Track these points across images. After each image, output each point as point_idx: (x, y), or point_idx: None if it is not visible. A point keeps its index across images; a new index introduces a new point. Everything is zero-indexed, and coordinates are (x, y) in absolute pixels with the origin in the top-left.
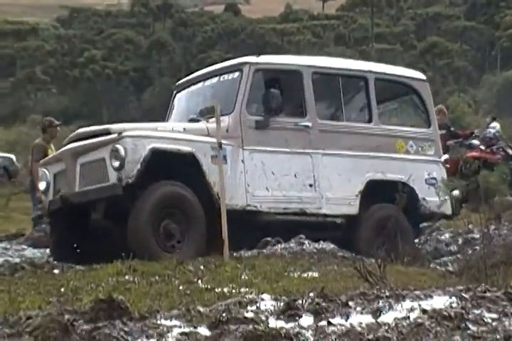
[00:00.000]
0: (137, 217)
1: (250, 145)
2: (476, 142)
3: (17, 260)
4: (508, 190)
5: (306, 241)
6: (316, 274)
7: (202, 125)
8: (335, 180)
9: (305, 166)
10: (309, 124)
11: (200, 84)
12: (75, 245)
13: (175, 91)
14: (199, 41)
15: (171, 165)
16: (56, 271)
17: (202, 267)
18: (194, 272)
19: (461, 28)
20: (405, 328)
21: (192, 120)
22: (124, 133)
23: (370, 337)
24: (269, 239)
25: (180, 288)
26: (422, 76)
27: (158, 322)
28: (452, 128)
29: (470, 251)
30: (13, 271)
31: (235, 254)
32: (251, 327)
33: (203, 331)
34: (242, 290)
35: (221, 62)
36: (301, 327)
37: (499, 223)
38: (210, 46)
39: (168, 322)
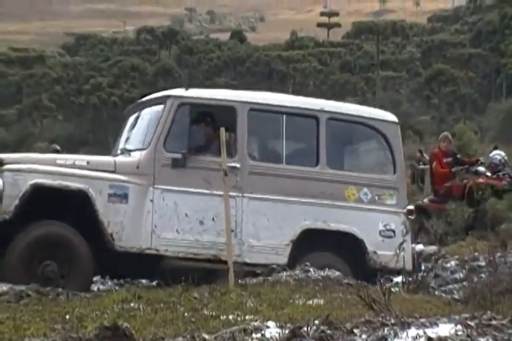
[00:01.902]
0: (10, 258)
1: (163, 184)
2: (482, 169)
3: (22, 287)
4: None
5: (311, 269)
6: (321, 301)
7: (109, 159)
8: (262, 226)
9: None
10: (237, 165)
11: (137, 113)
12: None
13: (125, 116)
14: (205, 68)
15: (58, 203)
16: (61, 298)
17: (207, 294)
18: (199, 299)
19: (467, 56)
20: None
21: (123, 151)
22: (5, 166)
23: None
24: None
25: (186, 315)
26: (392, 117)
27: None
28: (459, 156)
29: (476, 279)
30: (19, 298)
31: (240, 281)
32: None
33: None
34: (247, 317)
35: (227, 89)
36: None
37: (505, 250)
38: (216, 73)
39: None
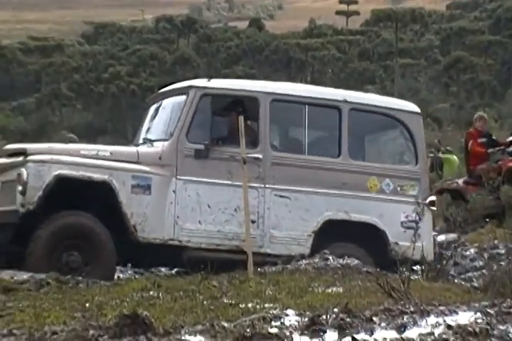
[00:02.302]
0: (34, 248)
1: (185, 175)
2: None
3: (42, 275)
4: None
5: (330, 257)
6: (340, 289)
7: (132, 149)
8: (284, 217)
9: (249, 201)
10: (260, 156)
11: (158, 103)
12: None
13: (148, 105)
14: (223, 57)
15: (81, 193)
16: (81, 286)
17: (226, 283)
18: (218, 287)
19: (486, 43)
20: None
21: (145, 140)
22: (29, 157)
23: None
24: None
25: (205, 303)
26: (414, 108)
27: (183, 337)
28: (494, 137)
29: (495, 267)
30: (39, 287)
31: (259, 270)
32: None
33: None
34: (267, 305)
35: (245, 77)
36: None
37: None
38: (235, 62)
39: (192, 338)
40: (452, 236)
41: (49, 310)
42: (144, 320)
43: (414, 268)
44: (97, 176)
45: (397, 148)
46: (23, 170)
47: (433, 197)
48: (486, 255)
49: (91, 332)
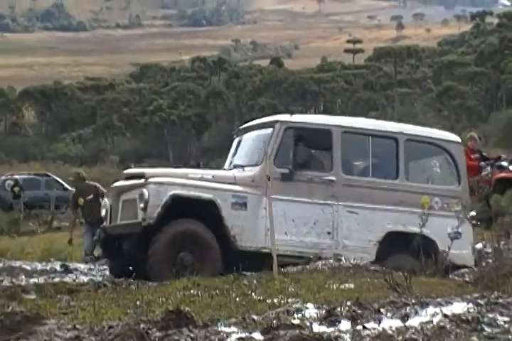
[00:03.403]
0: (155, 249)
1: (274, 194)
2: (505, 163)
3: (100, 278)
4: None
5: (342, 258)
6: (352, 286)
7: (229, 173)
8: (354, 229)
9: (325, 216)
10: (333, 178)
11: (247, 135)
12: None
13: (234, 137)
14: (249, 90)
15: (193, 209)
16: (132, 287)
17: (255, 281)
18: (248, 286)
19: (472, 74)
20: (429, 331)
21: (236, 166)
22: (150, 180)
23: (400, 338)
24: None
25: (237, 299)
26: (456, 138)
27: (219, 329)
28: (484, 153)
29: (484, 264)
30: (97, 288)
31: (282, 270)
32: (298, 331)
33: (257, 336)
34: (289, 300)
35: (268, 107)
36: (340, 331)
37: (508, 239)
38: (259, 94)
39: (227, 329)
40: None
41: (106, 308)
42: (186, 315)
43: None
44: (204, 195)
45: (443, 171)
46: (145, 191)
47: (473, 213)
48: (476, 254)
49: (141, 325)
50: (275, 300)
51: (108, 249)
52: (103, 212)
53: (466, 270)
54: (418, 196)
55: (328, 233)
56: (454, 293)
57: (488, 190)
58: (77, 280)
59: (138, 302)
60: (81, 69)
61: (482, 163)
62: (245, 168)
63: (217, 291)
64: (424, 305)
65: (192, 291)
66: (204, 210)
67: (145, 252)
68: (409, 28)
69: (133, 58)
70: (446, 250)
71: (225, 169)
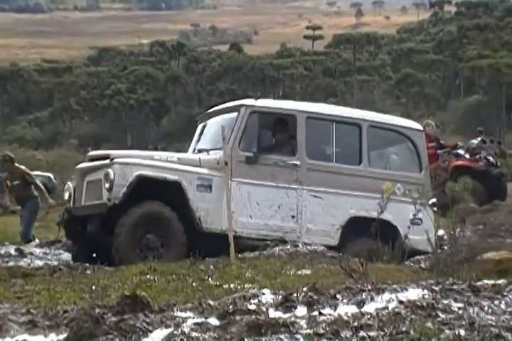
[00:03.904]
0: (121, 230)
1: (238, 178)
2: (461, 152)
3: (55, 263)
4: (470, 198)
5: (300, 244)
6: (308, 272)
7: (195, 156)
8: (318, 213)
9: (290, 200)
10: (298, 163)
11: (211, 120)
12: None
13: (198, 123)
14: (208, 75)
15: (158, 190)
16: (88, 272)
17: (212, 267)
18: (205, 271)
19: (430, 61)
20: (385, 317)
21: (200, 150)
22: (116, 160)
23: (355, 324)
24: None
25: (194, 284)
26: (418, 126)
27: (175, 314)
28: (442, 141)
29: (439, 251)
30: (52, 272)
31: (239, 256)
32: (254, 317)
33: (213, 321)
34: (246, 286)
35: (227, 92)
36: (297, 317)
37: (463, 226)
38: (218, 79)
39: (183, 314)
40: None
41: (61, 292)
42: (142, 300)
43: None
44: (170, 177)
45: (405, 158)
46: (110, 171)
47: (434, 199)
48: (437, 240)
49: (97, 310)
50: (232, 286)
51: (71, 231)
52: (66, 195)
53: (422, 257)
54: (380, 182)
55: (293, 217)
56: (409, 280)
57: (445, 178)
58: (32, 265)
59: (93, 287)
60: (38, 51)
61: (439, 151)
62: (210, 152)
63: (174, 276)
64: (379, 292)
65: (148, 276)
66: (169, 192)
67: (109, 234)
68: (369, 15)
69: (91, 41)
70: (408, 236)
71: (194, 153)
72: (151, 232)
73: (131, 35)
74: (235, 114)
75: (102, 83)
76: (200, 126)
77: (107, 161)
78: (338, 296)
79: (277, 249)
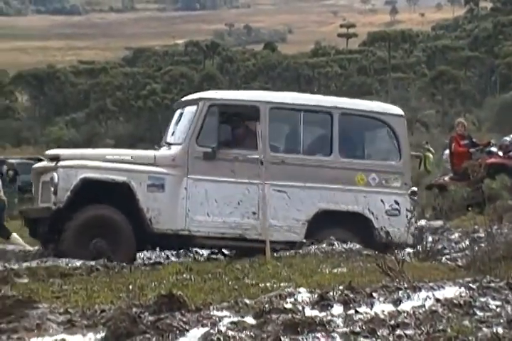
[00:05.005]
0: (66, 236)
1: (195, 175)
2: (494, 149)
3: (92, 262)
4: (508, 196)
5: (335, 242)
6: (344, 270)
7: (150, 153)
8: (281, 208)
9: (250, 195)
10: (259, 157)
11: (180, 110)
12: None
13: (174, 109)
14: (242, 74)
15: (107, 192)
16: (125, 271)
17: (248, 266)
18: (241, 270)
19: (466, 58)
20: (421, 315)
21: (165, 144)
22: (60, 163)
23: (392, 322)
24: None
25: (230, 283)
26: (398, 111)
27: (211, 313)
28: (474, 139)
29: (476, 248)
30: (90, 272)
31: (275, 254)
32: (290, 316)
33: (249, 320)
34: (282, 284)
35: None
36: (333, 316)
37: (501, 223)
38: (252, 78)
39: (219, 313)
40: (439, 222)
41: (98, 292)
42: (178, 299)
43: (406, 250)
44: (117, 178)
45: (383, 146)
46: (55, 174)
47: (415, 188)
48: (468, 238)
49: (134, 309)
50: (268, 285)
51: (32, 231)
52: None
53: (459, 254)
54: (353, 172)
55: (254, 213)
56: (446, 278)
57: (482, 175)
58: (69, 264)
59: (130, 286)
60: (74, 53)
61: (472, 149)
62: (171, 147)
63: (210, 275)
64: (416, 290)
65: (185, 275)
66: (119, 193)
67: (58, 237)
68: (403, 12)
69: (126, 42)
70: (383, 228)
71: (160, 146)
72: (98, 236)
73: (165, 36)
74: (194, 108)
75: (138, 84)
76: (177, 113)
77: (54, 164)
78: (374, 294)
79: (313, 247)
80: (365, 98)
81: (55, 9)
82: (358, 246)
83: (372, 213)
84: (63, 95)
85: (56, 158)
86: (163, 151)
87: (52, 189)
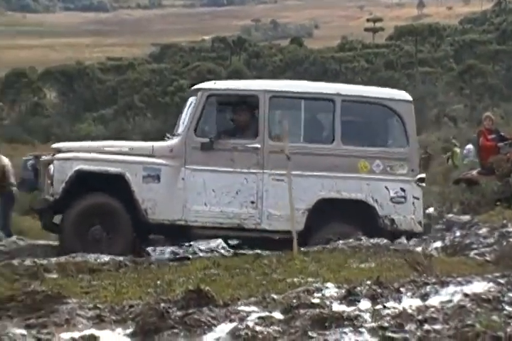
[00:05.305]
0: (65, 224)
1: (193, 165)
2: None
3: (120, 258)
4: None
5: (363, 238)
6: (372, 265)
7: (148, 144)
8: (281, 197)
9: (249, 185)
10: (258, 146)
11: (188, 101)
12: None
13: (187, 97)
14: (269, 70)
15: (103, 184)
16: (153, 267)
17: (275, 261)
18: (268, 265)
19: (494, 52)
20: (449, 310)
21: (171, 136)
22: (56, 155)
23: (420, 317)
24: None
25: (257, 279)
26: (405, 96)
27: (239, 308)
28: (502, 133)
29: (505, 243)
30: (118, 267)
31: (302, 249)
32: (317, 311)
33: (277, 315)
34: (310, 279)
35: None
36: (360, 311)
37: None
38: (279, 73)
39: (247, 308)
40: (467, 217)
41: (127, 287)
42: (206, 294)
43: (434, 244)
44: (112, 169)
45: (388, 132)
46: (51, 166)
47: (423, 175)
48: (496, 233)
49: (162, 305)
50: (295, 280)
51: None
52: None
53: (487, 249)
54: (355, 160)
55: (252, 202)
56: (474, 272)
57: (509, 169)
58: (98, 260)
59: (158, 282)
60: (102, 49)
61: (500, 144)
62: (174, 138)
63: (238, 271)
64: (444, 284)
65: (212, 271)
66: (114, 184)
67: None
68: (431, 6)
69: (153, 39)
70: (389, 215)
71: (173, 135)
72: (96, 224)
73: (193, 32)
74: (194, 99)
75: (165, 80)
76: (189, 101)
77: (49, 157)
78: (402, 289)
79: (340, 242)
80: None
81: (83, 6)
82: (385, 240)
83: (376, 200)
84: (91, 92)
85: (59, 151)
86: (162, 142)
87: (49, 181)
